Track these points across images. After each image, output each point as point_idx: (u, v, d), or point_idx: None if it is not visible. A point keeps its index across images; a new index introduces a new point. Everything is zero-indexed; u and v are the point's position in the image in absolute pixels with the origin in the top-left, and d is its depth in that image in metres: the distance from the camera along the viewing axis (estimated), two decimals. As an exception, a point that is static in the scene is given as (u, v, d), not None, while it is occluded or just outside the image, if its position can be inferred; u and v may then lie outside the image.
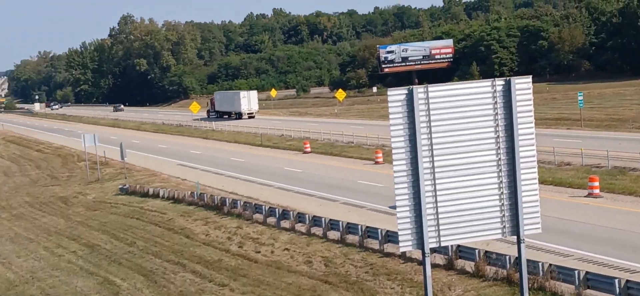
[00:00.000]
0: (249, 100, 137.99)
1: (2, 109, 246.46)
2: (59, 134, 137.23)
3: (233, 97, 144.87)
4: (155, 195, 59.71)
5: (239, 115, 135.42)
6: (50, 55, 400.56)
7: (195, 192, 54.99)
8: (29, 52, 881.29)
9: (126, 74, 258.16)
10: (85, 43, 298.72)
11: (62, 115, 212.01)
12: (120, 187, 66.34)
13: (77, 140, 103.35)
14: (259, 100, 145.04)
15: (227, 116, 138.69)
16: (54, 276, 41.51)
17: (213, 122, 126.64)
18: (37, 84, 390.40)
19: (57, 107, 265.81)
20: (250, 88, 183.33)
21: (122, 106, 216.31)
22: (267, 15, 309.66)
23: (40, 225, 56.98)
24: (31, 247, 49.58)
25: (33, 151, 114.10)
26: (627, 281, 25.33)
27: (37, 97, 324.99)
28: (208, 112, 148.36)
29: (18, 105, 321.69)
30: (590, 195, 43.82)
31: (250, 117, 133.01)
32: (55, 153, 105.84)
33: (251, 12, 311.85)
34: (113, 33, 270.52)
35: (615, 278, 25.67)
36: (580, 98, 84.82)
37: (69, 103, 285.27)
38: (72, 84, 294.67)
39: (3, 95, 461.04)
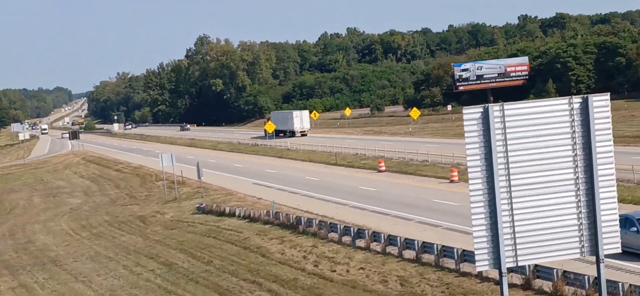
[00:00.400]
0: (301, 119, 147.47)
1: (82, 130, 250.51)
2: (137, 154, 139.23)
3: (287, 116, 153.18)
4: (232, 214, 60.07)
5: (292, 133, 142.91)
6: (129, 76, 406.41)
7: (270, 211, 55.18)
8: (108, 74, 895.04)
9: (202, 94, 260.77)
10: (162, 64, 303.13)
11: (139, 135, 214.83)
12: (197, 206, 66.90)
13: (154, 159, 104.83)
14: (333, 119, 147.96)
15: (282, 134, 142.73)
16: (133, 294, 41.97)
17: (269, 141, 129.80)
18: (115, 105, 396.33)
19: (129, 127, 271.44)
20: (325, 108, 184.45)
21: (188, 126, 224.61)
22: (341, 34, 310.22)
23: (120, 244, 57.69)
24: (111, 266, 50.21)
25: (112, 171, 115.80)
26: None
27: (115, 117, 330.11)
28: (265, 130, 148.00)
29: (97, 126, 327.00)
30: (671, 213, 42.95)
31: (302, 135, 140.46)
32: (133, 173, 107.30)
33: (325, 32, 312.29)
34: (190, 54, 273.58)
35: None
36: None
37: (147, 123, 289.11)
38: (150, 104, 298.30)
39: (83, 116, 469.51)
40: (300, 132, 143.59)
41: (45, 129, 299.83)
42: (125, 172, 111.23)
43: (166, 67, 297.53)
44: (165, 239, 56.51)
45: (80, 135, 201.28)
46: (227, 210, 61.54)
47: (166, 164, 75.07)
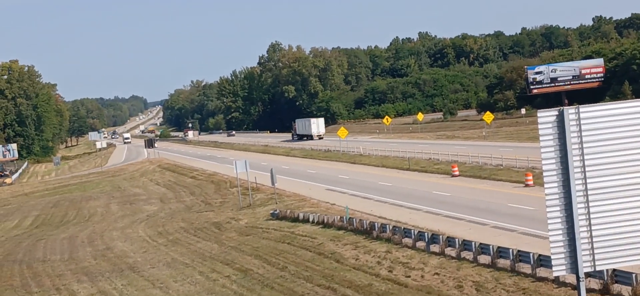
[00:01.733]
0: (317, 125, 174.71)
1: (158, 138, 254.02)
2: (211, 161, 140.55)
3: (305, 123, 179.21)
4: (305, 220, 60.26)
5: (310, 137, 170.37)
6: (203, 84, 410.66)
7: (344, 217, 55.23)
8: (182, 82, 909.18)
9: (275, 100, 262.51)
10: (235, 71, 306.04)
11: (213, 142, 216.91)
12: (271, 212, 67.26)
13: (229, 166, 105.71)
14: (405, 124, 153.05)
15: (305, 138, 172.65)
16: (209, 300, 42.38)
17: (294, 143, 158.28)
18: (189, 113, 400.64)
19: (191, 134, 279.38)
20: (397, 114, 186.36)
21: (234, 132, 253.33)
22: (413, 39, 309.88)
23: (195, 250, 58.25)
24: (187, 272, 50.71)
25: (187, 178, 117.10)
26: None
27: (190, 125, 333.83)
28: (292, 135, 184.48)
29: (173, 134, 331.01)
30: None
31: (319, 138, 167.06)
32: (208, 180, 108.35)
33: (397, 37, 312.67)
34: (262, 61, 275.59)
35: None
36: None
37: (220, 131, 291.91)
38: (224, 112, 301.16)
39: (158, 124, 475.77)
40: (317, 136, 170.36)
41: (128, 138, 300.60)
42: (200, 179, 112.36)
43: (239, 75, 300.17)
44: (240, 245, 56.92)
45: (155, 143, 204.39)
46: (301, 216, 61.76)
47: (240, 171, 75.61)
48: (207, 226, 69.19)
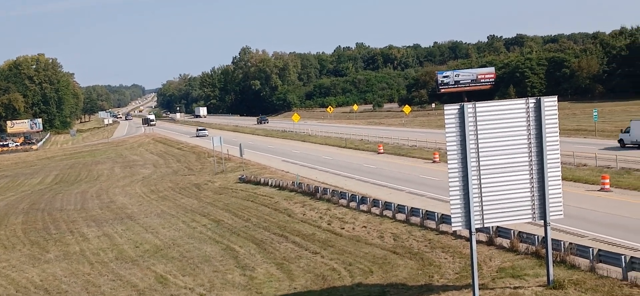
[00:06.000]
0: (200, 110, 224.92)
1: (154, 121, 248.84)
2: (194, 136, 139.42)
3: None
4: (265, 184, 60.20)
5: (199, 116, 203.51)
6: (188, 77, 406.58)
7: (295, 182, 55.30)
8: (173, 74, 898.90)
9: (244, 92, 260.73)
10: (214, 68, 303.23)
11: (196, 122, 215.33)
12: (239, 177, 67.05)
13: (207, 141, 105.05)
14: (343, 113, 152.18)
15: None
16: (190, 243, 42.22)
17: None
18: (177, 99, 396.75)
19: (178, 116, 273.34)
20: (338, 104, 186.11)
21: (205, 115, 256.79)
22: (351, 47, 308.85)
23: (180, 205, 57.95)
24: (172, 221, 50.47)
25: (175, 149, 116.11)
26: (632, 257, 24.72)
27: (178, 108, 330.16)
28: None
29: (164, 115, 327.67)
30: (602, 189, 42.82)
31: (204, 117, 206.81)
32: (191, 151, 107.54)
33: (339, 45, 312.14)
34: (235, 60, 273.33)
35: (622, 254, 25.07)
36: (595, 113, 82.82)
37: (199, 115, 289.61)
38: (204, 99, 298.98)
39: (153, 107, 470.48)
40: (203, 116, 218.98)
41: (129, 116, 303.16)
42: (185, 150, 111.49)
43: (217, 71, 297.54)
44: (215, 202, 56.75)
45: (152, 122, 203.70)
46: (262, 180, 61.68)
47: (216, 145, 75.23)
48: (189, 186, 68.81)
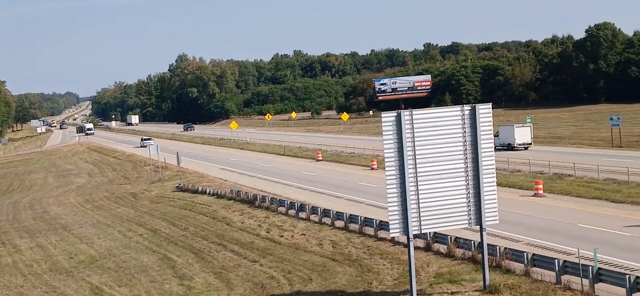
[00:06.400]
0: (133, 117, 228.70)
1: (91, 128, 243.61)
2: (129, 145, 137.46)
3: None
4: (203, 192, 59.73)
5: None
6: (124, 84, 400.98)
7: (233, 190, 55.00)
8: (108, 82, 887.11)
9: (181, 99, 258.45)
10: (150, 75, 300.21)
11: (132, 130, 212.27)
12: (176, 185, 66.39)
13: (144, 149, 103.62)
14: (282, 120, 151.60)
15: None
16: (126, 253, 41.55)
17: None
18: (113, 107, 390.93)
19: (114, 124, 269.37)
20: (276, 112, 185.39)
21: (136, 122, 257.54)
22: (289, 55, 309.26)
23: (116, 214, 57.04)
24: (108, 231, 49.62)
25: (110, 157, 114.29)
26: (565, 261, 25.24)
27: (113, 116, 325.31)
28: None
29: (99, 123, 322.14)
30: (536, 194, 43.74)
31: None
32: (127, 160, 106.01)
33: (277, 53, 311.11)
34: (171, 68, 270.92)
35: (555, 258, 25.58)
36: (528, 120, 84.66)
37: (131, 123, 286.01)
38: (140, 107, 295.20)
39: (87, 115, 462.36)
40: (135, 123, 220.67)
41: (64, 125, 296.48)
42: (121, 158, 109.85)
43: (153, 78, 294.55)
44: (151, 211, 56.02)
45: (89, 131, 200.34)
46: (200, 188, 61.18)
47: (153, 153, 74.40)
48: (125, 195, 67.79)
